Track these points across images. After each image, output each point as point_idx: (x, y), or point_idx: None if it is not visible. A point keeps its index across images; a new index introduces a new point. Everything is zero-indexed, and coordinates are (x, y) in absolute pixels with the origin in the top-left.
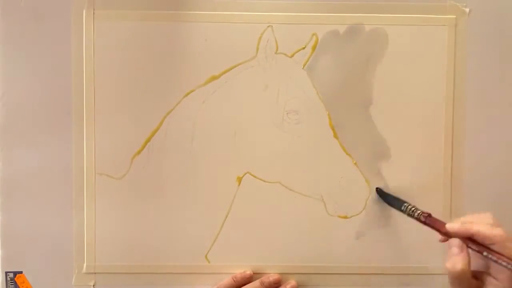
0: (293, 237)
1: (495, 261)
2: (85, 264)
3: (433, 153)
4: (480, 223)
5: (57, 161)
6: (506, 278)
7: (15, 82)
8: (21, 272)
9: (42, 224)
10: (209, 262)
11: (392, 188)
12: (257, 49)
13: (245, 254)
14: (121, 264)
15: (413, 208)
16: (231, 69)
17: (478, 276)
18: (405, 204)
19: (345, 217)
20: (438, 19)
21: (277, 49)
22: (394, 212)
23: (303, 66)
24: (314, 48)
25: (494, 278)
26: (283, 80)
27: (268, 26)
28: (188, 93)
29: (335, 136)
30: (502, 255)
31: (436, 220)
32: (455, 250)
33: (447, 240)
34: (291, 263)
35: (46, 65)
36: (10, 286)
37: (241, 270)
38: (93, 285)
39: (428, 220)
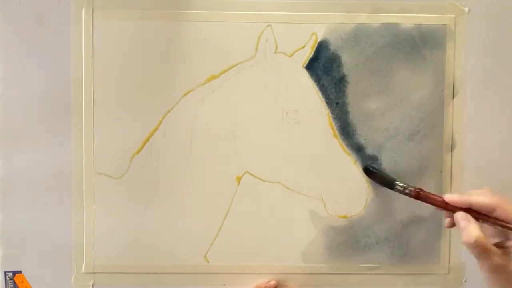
0: (293, 237)
1: (492, 226)
2: (84, 264)
3: (432, 152)
4: (477, 194)
5: (56, 160)
6: None
7: (15, 82)
8: (20, 272)
9: (41, 224)
10: (208, 262)
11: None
12: (257, 48)
13: (244, 254)
14: (120, 264)
15: (404, 185)
16: (230, 68)
17: (503, 245)
18: (396, 182)
19: (345, 217)
20: (438, 18)
21: (276, 49)
22: (394, 212)
23: (303, 66)
24: (313, 47)
25: None
26: (282, 80)
27: (267, 26)
28: (187, 93)
29: (335, 135)
30: (497, 219)
31: (429, 194)
32: (463, 222)
33: (448, 225)
34: (290, 263)
35: (45, 65)
36: (10, 285)
37: (240, 270)
38: (92, 285)
39: (420, 195)
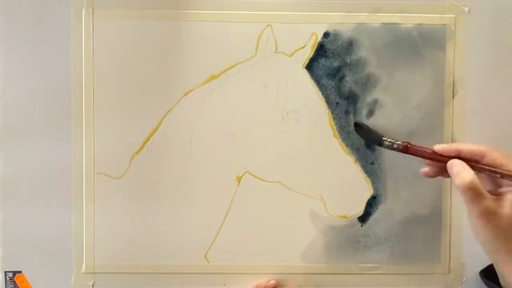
0: (293, 237)
1: (486, 171)
2: (84, 264)
3: None
4: (465, 143)
5: (56, 160)
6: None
7: (15, 82)
8: (20, 272)
9: (41, 224)
10: (208, 262)
11: (390, 186)
12: (257, 48)
13: (245, 254)
14: (120, 264)
15: (392, 141)
16: (230, 68)
17: (496, 190)
18: (384, 138)
19: (345, 217)
20: (438, 18)
21: (276, 49)
22: (394, 212)
23: (303, 65)
24: (313, 47)
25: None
26: (282, 80)
27: (267, 25)
28: (187, 93)
29: (335, 135)
30: (486, 165)
31: (417, 147)
32: (457, 168)
33: (427, 172)
34: (290, 263)
35: (45, 65)
36: (10, 285)
37: (240, 270)
38: (92, 285)
39: (409, 148)
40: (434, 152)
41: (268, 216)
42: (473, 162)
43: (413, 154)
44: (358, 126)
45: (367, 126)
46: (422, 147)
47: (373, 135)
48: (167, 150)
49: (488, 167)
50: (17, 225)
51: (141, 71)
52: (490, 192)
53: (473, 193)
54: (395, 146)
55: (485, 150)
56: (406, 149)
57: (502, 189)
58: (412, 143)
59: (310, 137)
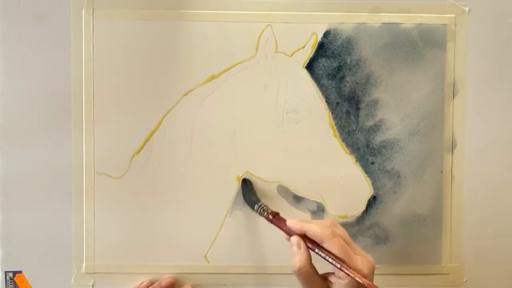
0: None
1: (324, 258)
2: (84, 264)
3: (433, 152)
4: (314, 223)
5: (56, 160)
6: (344, 277)
7: (15, 82)
8: (20, 272)
9: (41, 224)
10: (208, 262)
11: (388, 186)
12: (257, 48)
13: (245, 254)
14: (120, 264)
15: (263, 207)
16: (230, 68)
17: (327, 277)
18: (257, 204)
19: (345, 217)
20: (438, 18)
21: (276, 48)
22: (394, 211)
23: (303, 65)
24: (313, 47)
25: (338, 277)
26: (282, 79)
27: (267, 25)
28: (187, 92)
29: (335, 135)
30: (330, 252)
31: (281, 219)
32: (294, 248)
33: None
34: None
35: (45, 65)
36: (10, 285)
37: (240, 270)
38: (92, 285)
39: (274, 219)
40: (288, 226)
41: None
42: (317, 245)
43: (276, 225)
44: (245, 183)
45: (251, 188)
46: (283, 220)
47: (251, 199)
48: (167, 150)
49: (326, 256)
50: (17, 225)
51: (141, 71)
52: (328, 275)
53: (302, 278)
54: (265, 214)
55: (324, 237)
56: (271, 220)
57: (332, 278)
58: (278, 215)
59: (310, 137)
